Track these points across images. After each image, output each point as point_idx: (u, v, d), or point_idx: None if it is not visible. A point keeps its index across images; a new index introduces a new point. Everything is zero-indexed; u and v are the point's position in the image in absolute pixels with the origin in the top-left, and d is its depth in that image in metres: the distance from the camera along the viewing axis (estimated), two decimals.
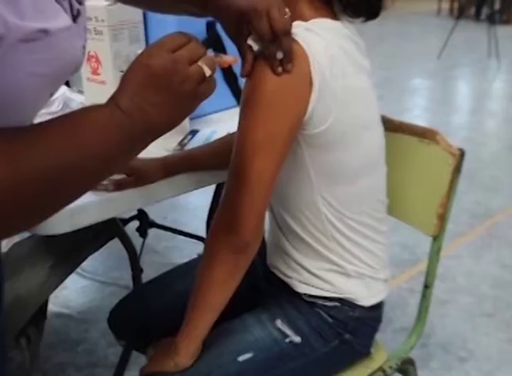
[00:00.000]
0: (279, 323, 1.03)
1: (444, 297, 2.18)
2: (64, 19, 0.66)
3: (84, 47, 0.74)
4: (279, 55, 0.84)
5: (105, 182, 1.10)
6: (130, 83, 0.64)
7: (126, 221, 2.03)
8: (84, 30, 0.75)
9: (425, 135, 1.16)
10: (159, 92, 0.63)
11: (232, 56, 0.83)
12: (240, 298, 0.99)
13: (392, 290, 2.18)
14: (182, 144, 1.35)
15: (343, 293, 1.04)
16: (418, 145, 1.17)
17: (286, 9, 0.84)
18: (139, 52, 0.69)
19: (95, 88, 1.57)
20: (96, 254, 1.68)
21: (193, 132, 1.45)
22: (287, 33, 0.84)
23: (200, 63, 0.66)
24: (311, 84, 0.88)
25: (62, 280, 1.47)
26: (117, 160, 0.66)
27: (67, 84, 1.86)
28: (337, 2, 0.98)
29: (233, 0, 0.85)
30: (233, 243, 0.90)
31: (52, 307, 2.14)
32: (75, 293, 2.30)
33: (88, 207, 1.08)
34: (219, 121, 1.53)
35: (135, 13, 1.49)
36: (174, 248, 2.56)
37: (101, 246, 1.59)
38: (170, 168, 1.16)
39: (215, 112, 1.58)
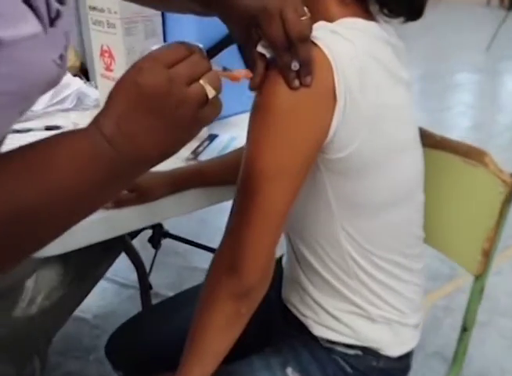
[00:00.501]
0: (289, 371, 0.90)
1: (483, 318, 2.00)
2: (31, 26, 0.54)
3: (61, 57, 0.62)
4: (295, 65, 0.69)
5: None
6: (116, 104, 0.53)
7: (138, 230, 1.91)
8: (64, 36, 0.63)
9: (471, 154, 1.00)
10: (150, 116, 0.52)
11: (244, 69, 0.70)
12: (250, 333, 0.86)
13: (426, 308, 2.02)
14: (196, 152, 1.22)
15: (366, 341, 0.89)
16: (462, 166, 1.01)
17: (305, 9, 0.69)
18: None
19: (110, 85, 1.45)
20: None
21: (211, 138, 1.31)
22: (305, 38, 0.68)
23: (201, 82, 0.54)
24: (334, 101, 0.73)
25: (79, 302, 1.38)
26: (99, 196, 0.55)
27: (86, 77, 1.76)
28: None
29: None
30: (234, 286, 0.76)
31: None
32: (92, 294, 2.20)
33: (81, 227, 0.95)
34: (240, 125, 1.38)
35: None
36: (195, 250, 2.44)
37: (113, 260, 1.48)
38: (177, 183, 1.03)
39: (237, 114, 1.44)
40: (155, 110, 0.52)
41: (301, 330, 0.94)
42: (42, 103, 1.51)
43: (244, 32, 0.71)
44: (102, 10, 1.36)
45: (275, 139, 0.73)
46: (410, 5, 0.84)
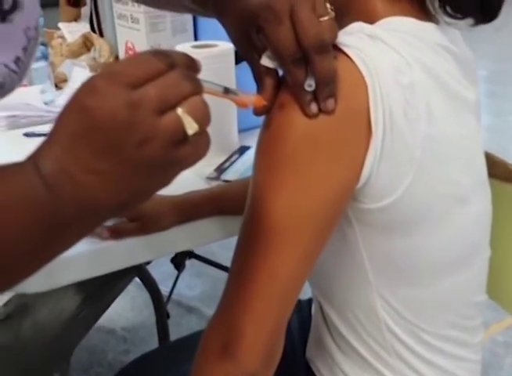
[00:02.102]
0: None
1: None
2: None
3: (18, 60, 0.50)
4: (310, 85, 0.51)
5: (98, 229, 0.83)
6: (60, 135, 0.39)
7: None
8: (24, 33, 0.50)
9: None
10: (103, 154, 0.38)
11: (255, 94, 0.53)
12: None
13: (485, 344, 1.79)
14: (221, 169, 1.05)
15: None
16: None
17: (328, 6, 0.50)
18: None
19: None
20: None
21: (243, 150, 1.14)
22: (323, 47, 0.50)
23: (179, 112, 0.38)
24: (368, 131, 0.54)
25: (91, 326, 1.29)
26: (47, 246, 0.42)
27: None
28: None
29: None
30: (229, 372, 0.58)
31: None
32: (122, 303, 2.09)
33: (73, 261, 0.82)
34: None
35: None
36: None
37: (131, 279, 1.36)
38: (188, 211, 0.86)
39: None
40: (109, 146, 0.38)
41: None
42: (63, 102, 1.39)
43: (245, 38, 0.53)
44: (125, 3, 1.22)
45: (286, 182, 0.55)
46: (483, 2, 0.64)
